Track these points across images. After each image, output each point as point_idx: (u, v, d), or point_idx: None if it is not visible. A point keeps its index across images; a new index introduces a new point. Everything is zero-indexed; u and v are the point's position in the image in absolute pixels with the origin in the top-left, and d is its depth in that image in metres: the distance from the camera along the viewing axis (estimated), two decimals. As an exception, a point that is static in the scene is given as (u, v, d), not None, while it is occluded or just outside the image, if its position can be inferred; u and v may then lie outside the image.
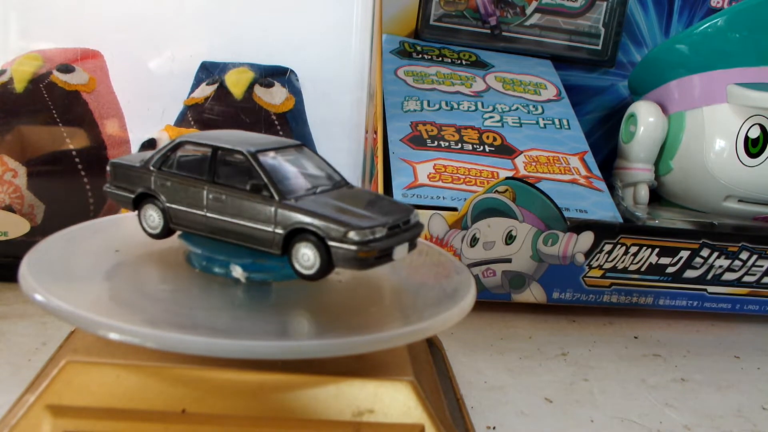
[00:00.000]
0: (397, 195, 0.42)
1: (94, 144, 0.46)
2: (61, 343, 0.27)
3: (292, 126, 0.48)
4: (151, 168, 0.27)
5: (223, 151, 0.26)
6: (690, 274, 0.45)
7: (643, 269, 0.44)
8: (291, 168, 0.26)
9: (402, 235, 0.25)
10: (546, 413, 0.33)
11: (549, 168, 0.47)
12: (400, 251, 0.25)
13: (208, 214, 0.26)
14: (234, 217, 0.25)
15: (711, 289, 0.46)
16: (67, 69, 0.46)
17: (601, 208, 0.45)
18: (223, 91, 0.48)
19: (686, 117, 0.52)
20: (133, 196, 0.28)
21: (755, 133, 0.49)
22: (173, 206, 0.27)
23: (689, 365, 0.41)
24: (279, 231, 0.25)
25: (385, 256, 0.24)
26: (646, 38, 0.63)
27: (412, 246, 0.26)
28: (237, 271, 0.26)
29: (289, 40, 0.57)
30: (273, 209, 0.25)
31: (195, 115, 0.47)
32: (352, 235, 0.23)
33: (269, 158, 0.26)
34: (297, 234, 0.24)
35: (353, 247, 0.23)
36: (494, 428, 0.31)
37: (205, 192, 0.26)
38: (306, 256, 0.24)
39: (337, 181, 0.27)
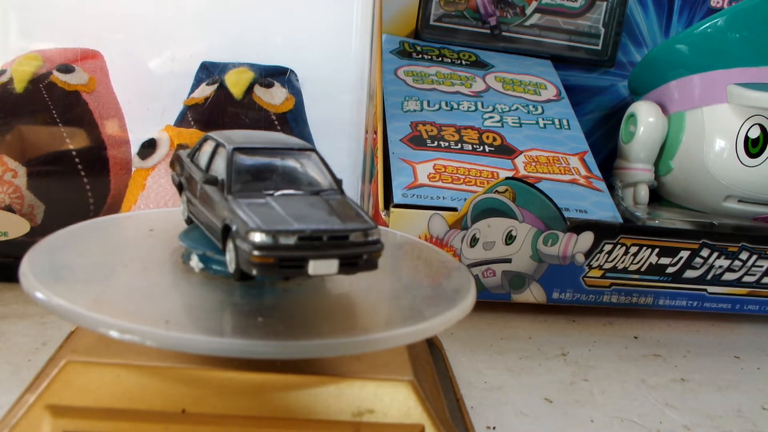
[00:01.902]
0: (397, 195, 0.42)
1: (94, 144, 0.46)
2: (61, 343, 0.27)
3: (292, 126, 0.48)
4: (186, 159, 0.29)
5: (220, 146, 0.27)
6: (690, 274, 0.45)
7: (643, 269, 0.44)
8: (266, 169, 0.26)
9: (325, 250, 0.22)
10: (546, 413, 0.33)
11: (549, 168, 0.47)
12: (322, 267, 0.22)
13: (198, 204, 0.27)
14: (205, 208, 0.26)
15: (711, 289, 0.46)
16: (67, 69, 0.46)
17: (601, 208, 0.45)
18: (223, 91, 0.48)
19: (686, 117, 0.52)
20: (176, 183, 0.30)
21: (755, 133, 0.49)
22: (188, 194, 0.28)
23: (689, 365, 0.41)
24: (219, 225, 0.24)
25: (292, 267, 0.22)
26: (646, 38, 0.63)
27: (358, 266, 0.23)
28: (194, 260, 0.26)
29: (289, 40, 0.57)
30: (218, 202, 0.25)
31: (195, 115, 0.47)
32: (251, 236, 0.22)
33: (247, 157, 0.26)
34: (228, 230, 0.24)
35: (249, 250, 0.22)
36: (494, 428, 0.31)
37: (198, 183, 0.27)
38: (230, 254, 0.24)
39: (320, 189, 0.25)
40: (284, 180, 0.26)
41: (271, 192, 0.25)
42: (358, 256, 0.23)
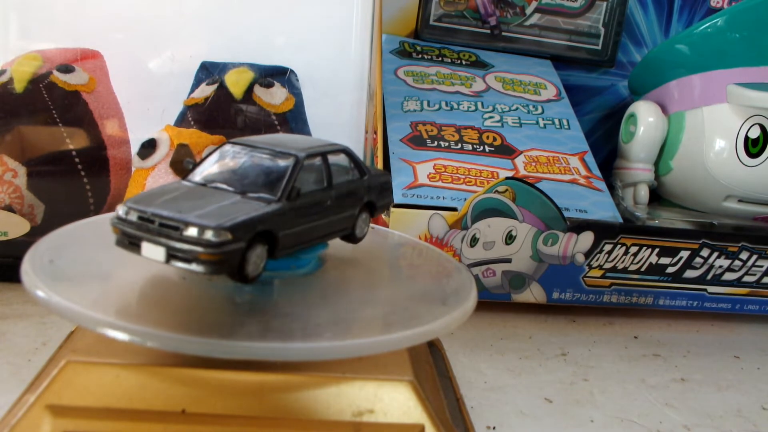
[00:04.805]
0: (397, 195, 0.42)
1: (94, 144, 0.46)
2: (61, 343, 0.27)
3: (292, 126, 0.48)
4: None
5: None
6: (690, 274, 0.45)
7: (643, 269, 0.44)
8: (233, 164, 0.26)
9: (153, 235, 0.23)
10: (546, 413, 0.33)
11: (549, 168, 0.47)
12: (151, 251, 0.23)
13: None
14: None
15: (711, 289, 0.46)
16: (67, 69, 0.46)
17: (601, 208, 0.45)
18: (223, 91, 0.48)
19: (686, 117, 0.52)
20: None
21: (755, 133, 0.49)
22: None
23: (689, 365, 0.41)
24: None
25: (132, 244, 0.23)
26: (646, 38, 0.63)
27: (191, 263, 0.22)
28: None
29: (289, 40, 0.57)
30: None
31: (195, 115, 0.47)
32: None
33: (232, 151, 0.27)
34: None
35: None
36: (494, 428, 0.31)
37: None
38: None
39: (254, 191, 0.25)
40: (235, 176, 0.26)
41: (204, 183, 0.26)
42: (186, 252, 0.22)
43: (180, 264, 0.23)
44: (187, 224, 0.22)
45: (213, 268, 0.22)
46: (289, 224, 0.25)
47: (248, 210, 0.24)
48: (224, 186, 0.25)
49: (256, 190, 0.25)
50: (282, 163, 0.26)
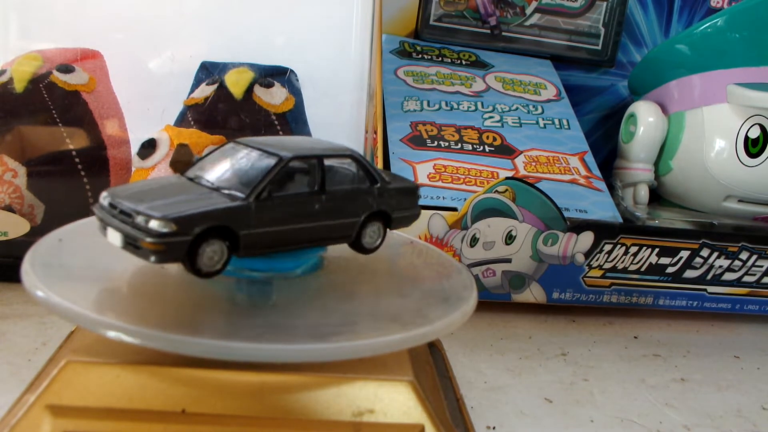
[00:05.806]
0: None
1: (93, 144, 0.46)
2: (61, 343, 0.27)
3: (292, 126, 0.48)
4: None
5: None
6: (690, 274, 0.45)
7: (643, 269, 0.44)
8: (225, 162, 0.27)
9: (114, 221, 0.24)
10: (546, 413, 0.33)
11: (549, 168, 0.47)
12: (112, 236, 0.24)
13: None
14: None
15: (711, 289, 0.46)
16: (67, 69, 0.46)
17: (601, 208, 0.45)
18: (223, 91, 0.48)
19: (686, 117, 0.52)
20: None
21: (755, 133, 0.49)
22: None
23: (689, 365, 0.41)
24: None
25: (103, 229, 0.25)
26: (646, 38, 0.63)
27: (140, 251, 0.23)
28: None
29: (289, 40, 0.57)
30: None
31: (195, 115, 0.47)
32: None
33: (233, 149, 0.27)
34: None
35: None
36: (494, 428, 0.31)
37: None
38: None
39: (228, 188, 0.25)
40: (220, 173, 0.26)
41: (192, 177, 0.26)
42: (134, 238, 0.23)
43: (132, 251, 0.23)
44: (138, 213, 0.23)
45: (156, 257, 0.23)
46: (255, 223, 0.24)
47: (205, 204, 0.24)
48: (205, 182, 0.26)
49: (230, 186, 0.25)
50: (266, 162, 0.26)
